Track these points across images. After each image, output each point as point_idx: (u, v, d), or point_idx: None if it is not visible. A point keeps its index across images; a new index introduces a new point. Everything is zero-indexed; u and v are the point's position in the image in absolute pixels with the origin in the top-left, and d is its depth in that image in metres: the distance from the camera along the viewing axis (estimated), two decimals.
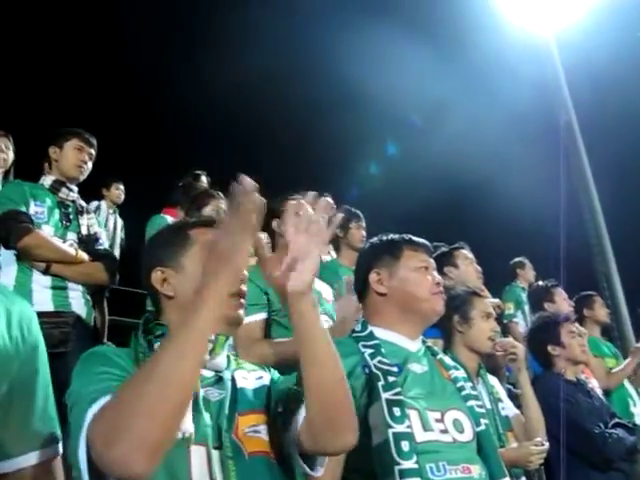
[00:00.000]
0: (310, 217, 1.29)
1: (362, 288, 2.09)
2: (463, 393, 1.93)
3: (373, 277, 2.03)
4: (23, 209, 2.97)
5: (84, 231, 3.16)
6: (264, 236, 3.18)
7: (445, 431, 1.77)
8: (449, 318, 2.72)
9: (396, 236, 2.09)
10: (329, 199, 1.35)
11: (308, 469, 1.38)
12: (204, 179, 4.76)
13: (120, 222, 6.29)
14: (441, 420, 1.79)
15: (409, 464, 1.64)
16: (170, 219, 4.13)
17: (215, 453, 1.28)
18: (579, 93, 7.62)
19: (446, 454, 1.72)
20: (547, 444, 2.56)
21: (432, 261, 2.08)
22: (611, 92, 8.71)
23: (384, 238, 2.12)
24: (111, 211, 6.21)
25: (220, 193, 3.82)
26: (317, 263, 1.30)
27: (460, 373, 2.02)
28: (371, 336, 1.92)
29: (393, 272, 2.01)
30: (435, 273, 2.04)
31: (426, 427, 1.75)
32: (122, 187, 6.44)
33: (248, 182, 1.19)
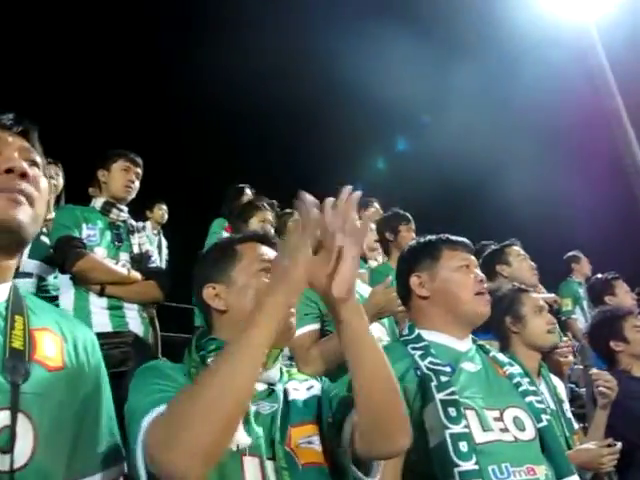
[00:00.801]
0: (345, 215, 1.24)
1: (405, 293, 2.07)
2: (520, 389, 1.89)
3: (414, 281, 2.00)
4: (76, 234, 3.05)
5: (136, 250, 3.22)
6: None
7: (505, 430, 1.73)
8: (501, 321, 2.67)
9: (434, 237, 2.07)
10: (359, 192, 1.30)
11: (364, 476, 1.36)
12: (248, 192, 4.77)
13: (164, 242, 6.41)
14: (500, 419, 1.75)
15: (469, 465, 1.60)
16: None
17: (269, 464, 1.29)
18: (624, 79, 7.40)
19: (509, 455, 1.68)
20: (620, 444, 2.44)
21: (473, 258, 2.05)
22: None
23: (422, 240, 2.10)
24: (155, 232, 6.32)
25: (265, 205, 3.83)
26: (356, 266, 1.27)
27: (515, 369, 1.98)
28: (419, 338, 1.90)
29: (434, 274, 1.98)
30: (478, 271, 2.01)
31: (485, 427, 1.71)
32: (165, 207, 6.56)
33: (309, 199, 1.19)
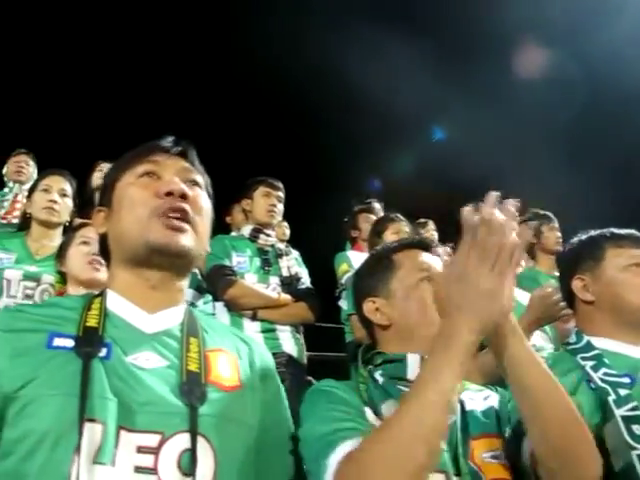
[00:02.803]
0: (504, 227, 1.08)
1: (568, 297, 1.87)
2: None
3: (577, 284, 1.80)
4: (226, 262, 3.18)
5: (285, 273, 3.29)
6: None
7: None
8: None
9: (596, 233, 1.84)
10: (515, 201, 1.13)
11: None
12: (377, 206, 4.62)
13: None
14: None
15: None
16: (355, 254, 4.17)
17: None
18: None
19: None
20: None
21: None
22: None
23: (583, 238, 1.88)
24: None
25: (399, 215, 3.74)
26: (514, 283, 1.10)
27: None
28: (589, 347, 1.69)
29: (598, 275, 1.76)
30: None
31: None
32: (286, 224, 6.57)
33: (492, 200, 1.07)
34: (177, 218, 1.13)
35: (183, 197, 1.14)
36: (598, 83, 8.01)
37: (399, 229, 3.55)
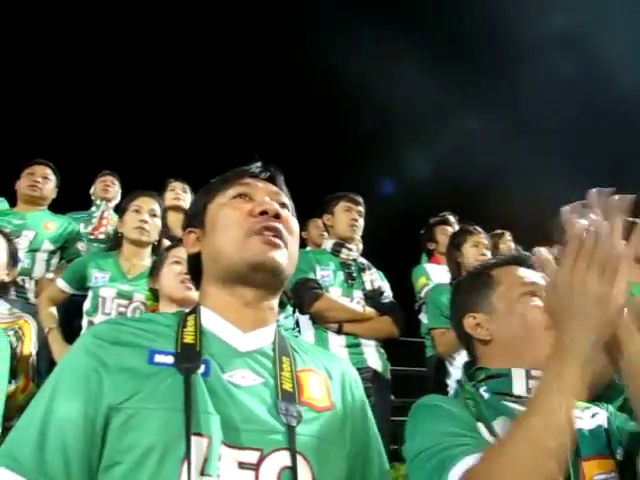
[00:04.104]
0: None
1: None
2: None
3: None
4: (311, 276, 3.21)
5: (368, 287, 3.29)
6: None
7: None
8: None
9: None
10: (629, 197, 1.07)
11: None
12: (451, 219, 4.53)
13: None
14: None
15: None
16: (432, 267, 4.13)
17: None
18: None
19: None
20: None
21: None
22: None
23: None
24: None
25: (477, 227, 3.67)
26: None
27: None
28: None
29: None
30: None
31: None
32: (359, 238, 6.38)
33: (596, 199, 1.05)
34: (273, 235, 1.15)
35: (276, 217, 1.17)
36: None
37: (478, 241, 3.50)
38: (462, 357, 3.10)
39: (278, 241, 1.15)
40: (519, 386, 1.33)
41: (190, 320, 1.15)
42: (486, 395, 1.34)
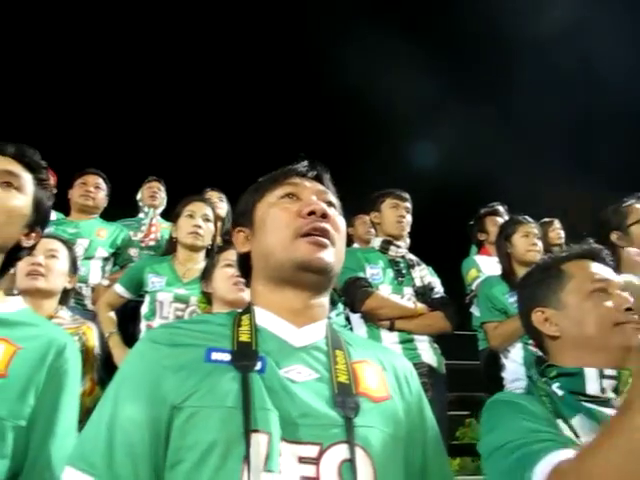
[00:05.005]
0: None
1: None
2: None
3: None
4: (361, 274, 3.22)
5: (418, 283, 3.28)
6: None
7: None
8: None
9: None
10: None
11: None
12: (501, 209, 4.47)
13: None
14: None
15: None
16: (483, 259, 4.10)
17: None
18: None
19: None
20: None
21: None
22: None
23: None
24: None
25: (527, 217, 3.61)
26: None
27: None
28: None
29: None
30: None
31: None
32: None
33: None
34: (320, 236, 1.16)
35: (324, 217, 1.19)
36: None
37: (528, 231, 3.41)
38: (517, 350, 3.08)
39: (325, 241, 1.16)
40: (592, 386, 1.32)
41: (244, 319, 1.17)
42: (560, 392, 1.33)
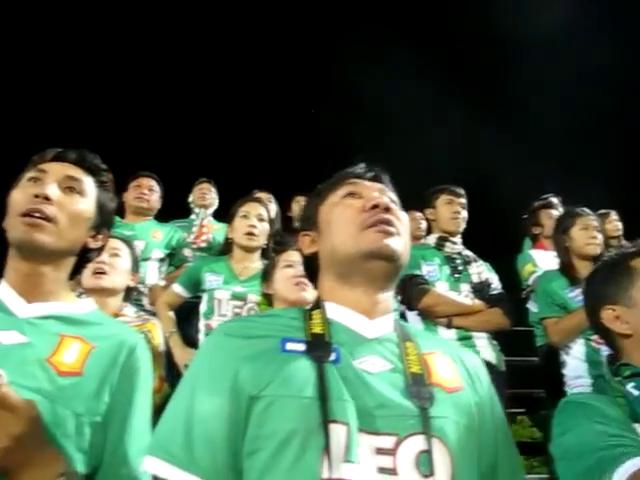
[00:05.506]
0: None
1: None
2: None
3: None
4: (417, 272, 3.20)
5: (475, 279, 3.25)
6: None
7: None
8: None
9: None
10: None
11: None
12: (555, 201, 4.35)
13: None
14: None
15: None
16: (538, 253, 4.03)
17: None
18: None
19: None
20: None
21: None
22: None
23: None
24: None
25: (585, 209, 3.51)
26: None
27: None
28: None
29: None
30: None
31: None
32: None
33: None
34: (386, 225, 1.17)
35: (387, 210, 1.19)
36: None
37: (587, 223, 3.32)
38: (578, 346, 3.03)
39: (392, 229, 1.17)
40: None
41: (316, 313, 1.18)
42: (635, 392, 1.30)
